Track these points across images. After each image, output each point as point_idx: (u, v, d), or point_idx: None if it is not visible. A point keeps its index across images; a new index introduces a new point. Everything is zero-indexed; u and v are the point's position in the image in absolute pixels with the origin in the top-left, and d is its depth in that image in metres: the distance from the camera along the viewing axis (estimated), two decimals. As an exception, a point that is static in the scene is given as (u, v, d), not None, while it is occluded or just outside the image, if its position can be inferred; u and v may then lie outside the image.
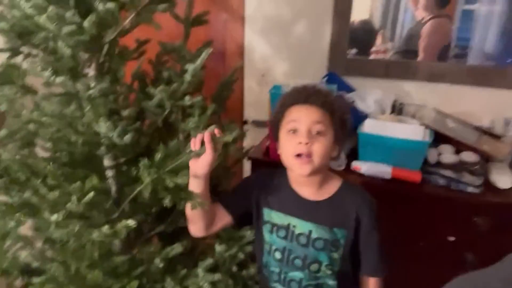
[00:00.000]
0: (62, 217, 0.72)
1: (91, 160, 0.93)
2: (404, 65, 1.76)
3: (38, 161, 0.82)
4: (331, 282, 1.01)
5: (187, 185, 0.92)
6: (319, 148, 0.91)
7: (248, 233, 1.09)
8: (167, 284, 0.98)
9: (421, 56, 1.71)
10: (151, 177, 0.82)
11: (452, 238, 1.45)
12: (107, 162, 0.97)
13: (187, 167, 0.90)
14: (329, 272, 0.99)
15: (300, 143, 0.90)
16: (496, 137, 1.56)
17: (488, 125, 1.65)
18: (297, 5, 1.85)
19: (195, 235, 1.02)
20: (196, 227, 1.00)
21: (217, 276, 0.96)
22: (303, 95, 0.95)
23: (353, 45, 1.80)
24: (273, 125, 1.01)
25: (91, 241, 0.82)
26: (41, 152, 0.98)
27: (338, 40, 1.80)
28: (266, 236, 1.03)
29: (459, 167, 1.43)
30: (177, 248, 0.97)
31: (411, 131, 1.47)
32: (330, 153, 0.95)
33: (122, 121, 0.88)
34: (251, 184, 1.07)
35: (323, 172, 0.98)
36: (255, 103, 2.06)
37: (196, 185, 0.93)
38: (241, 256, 1.08)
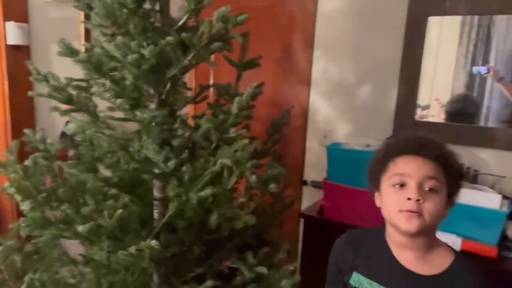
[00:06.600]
0: (89, 228, 0.74)
1: (140, 185, 0.97)
2: (477, 131, 1.63)
3: (90, 179, 0.88)
4: None
5: (218, 198, 0.88)
6: (430, 207, 0.78)
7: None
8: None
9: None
10: (175, 193, 0.82)
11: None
12: (155, 190, 1.00)
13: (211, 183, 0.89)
14: None
15: (410, 199, 0.78)
16: None
17: None
18: (362, 70, 1.87)
19: None
20: None
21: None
22: (414, 146, 0.82)
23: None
24: (372, 175, 0.89)
25: (121, 263, 0.83)
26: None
27: (404, 103, 1.76)
28: None
29: (547, 245, 1.22)
30: (207, 284, 0.93)
31: (486, 199, 1.32)
32: (442, 213, 0.80)
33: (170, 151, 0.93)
34: (342, 255, 0.94)
35: (430, 235, 0.83)
36: (316, 164, 2.02)
37: None
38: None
